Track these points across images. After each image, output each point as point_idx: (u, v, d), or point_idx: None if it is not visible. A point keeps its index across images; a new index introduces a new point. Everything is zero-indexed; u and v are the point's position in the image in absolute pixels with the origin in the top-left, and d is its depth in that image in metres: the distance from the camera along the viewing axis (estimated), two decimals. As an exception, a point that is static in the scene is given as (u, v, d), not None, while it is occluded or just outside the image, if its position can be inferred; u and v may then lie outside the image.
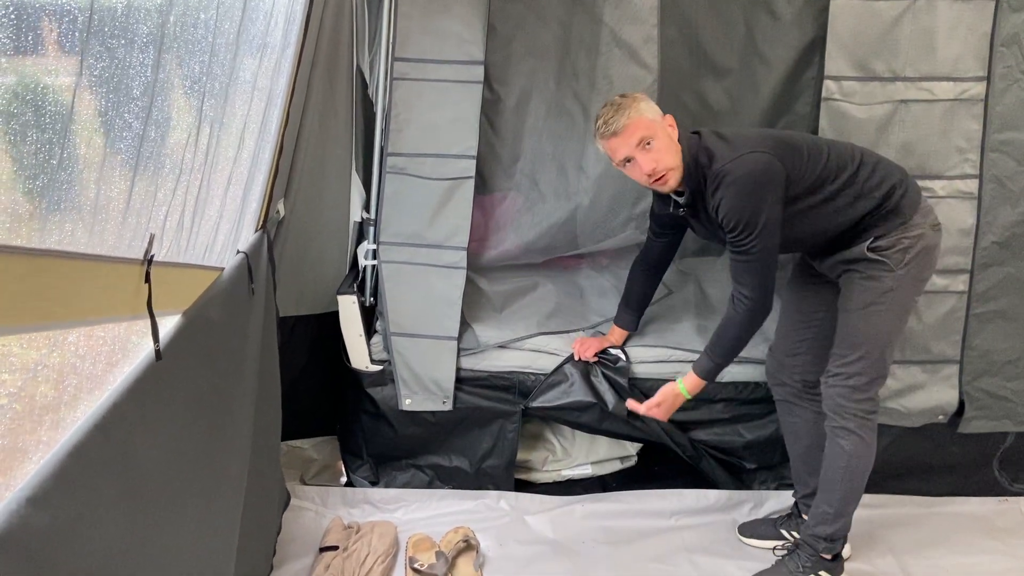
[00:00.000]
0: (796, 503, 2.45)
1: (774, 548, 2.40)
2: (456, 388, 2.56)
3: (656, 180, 2.03)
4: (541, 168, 2.80)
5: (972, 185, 2.44)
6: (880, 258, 2.08)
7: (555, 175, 2.78)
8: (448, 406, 2.56)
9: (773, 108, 2.82)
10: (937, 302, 2.47)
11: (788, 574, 2.25)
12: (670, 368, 2.61)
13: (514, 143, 2.79)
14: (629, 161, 2.04)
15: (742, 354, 2.38)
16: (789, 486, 2.59)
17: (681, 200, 2.12)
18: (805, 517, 2.35)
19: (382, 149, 2.54)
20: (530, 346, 2.63)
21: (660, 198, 2.27)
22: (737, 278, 2.09)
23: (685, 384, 2.23)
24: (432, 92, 2.48)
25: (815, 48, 2.68)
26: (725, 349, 2.16)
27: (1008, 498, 2.66)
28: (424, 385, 2.56)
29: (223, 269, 1.80)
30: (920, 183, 2.38)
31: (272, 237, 2.37)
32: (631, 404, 2.31)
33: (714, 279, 3.05)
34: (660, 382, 2.56)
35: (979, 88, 2.38)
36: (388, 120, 2.50)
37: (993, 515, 2.60)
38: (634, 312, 2.57)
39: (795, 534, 2.39)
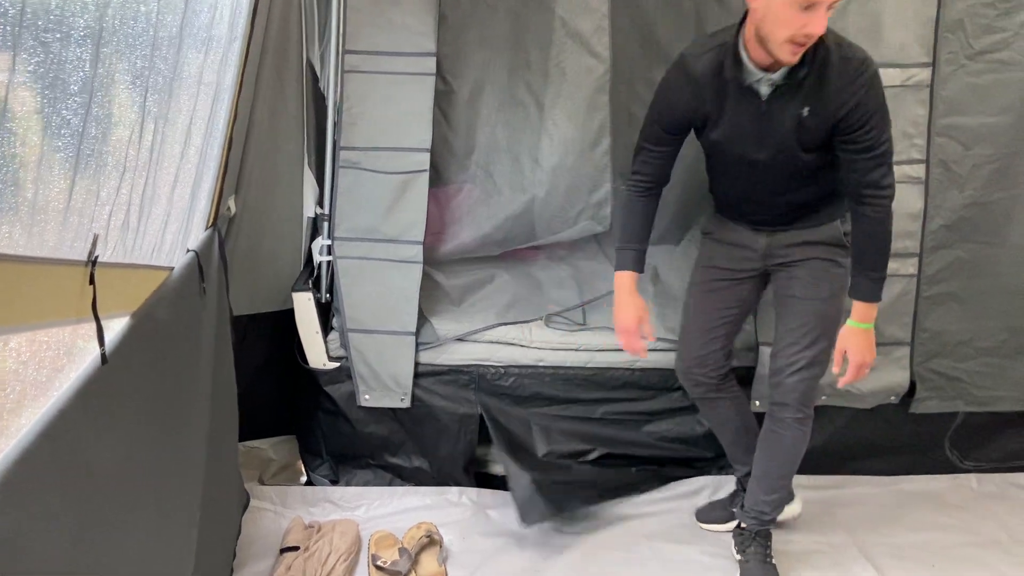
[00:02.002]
0: (738, 480, 2.46)
1: (732, 533, 2.40)
2: (415, 384, 2.55)
3: (804, 46, 1.75)
4: (496, 160, 2.79)
5: (919, 170, 2.49)
6: (846, 243, 2.10)
7: (510, 167, 2.77)
8: (406, 403, 2.54)
9: (724, 97, 2.83)
10: (888, 285, 2.50)
11: (760, 567, 2.24)
12: (629, 357, 2.58)
13: (468, 135, 2.77)
14: (810, 8, 1.70)
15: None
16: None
17: (775, 78, 1.85)
18: None
19: (335, 143, 2.51)
20: (489, 337, 2.62)
21: (685, 92, 1.95)
22: (868, 179, 1.92)
23: (860, 320, 2.02)
24: (384, 85, 2.45)
25: (765, 36, 2.70)
26: (885, 256, 2.00)
27: (959, 475, 2.73)
28: (382, 381, 2.54)
29: (172, 269, 1.75)
30: None
31: (223, 235, 2.32)
32: (841, 383, 2.09)
33: (672, 267, 3.05)
34: (621, 371, 2.62)
35: (925, 74, 2.42)
36: (340, 114, 2.47)
37: (945, 492, 2.67)
38: (642, 247, 2.21)
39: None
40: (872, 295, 2.01)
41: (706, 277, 2.28)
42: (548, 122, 2.67)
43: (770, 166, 1.99)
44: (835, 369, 2.10)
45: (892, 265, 2.46)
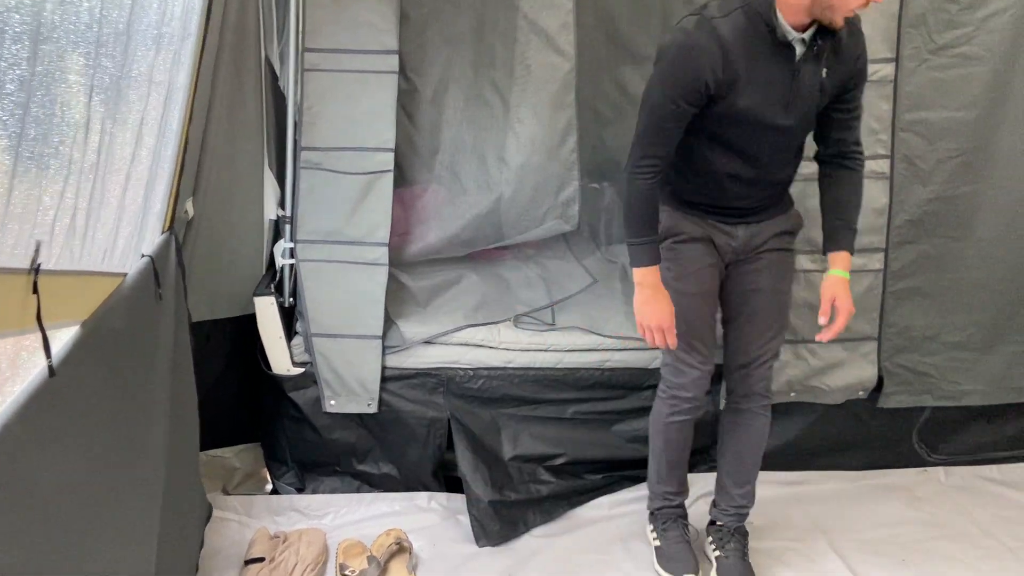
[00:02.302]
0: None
1: (707, 530, 2.37)
2: (382, 389, 2.50)
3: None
4: (461, 159, 2.75)
5: (884, 165, 2.49)
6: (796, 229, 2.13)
7: (476, 166, 2.73)
8: (373, 408, 2.50)
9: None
10: (854, 281, 2.48)
11: (739, 563, 2.23)
12: (599, 356, 2.61)
13: (432, 134, 2.73)
14: None
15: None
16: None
17: (806, 37, 1.84)
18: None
19: (295, 143, 2.45)
20: (457, 340, 2.58)
21: (715, 56, 1.83)
22: (848, 137, 2.02)
23: (842, 268, 2.05)
24: (346, 83, 2.41)
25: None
26: (860, 208, 2.09)
27: (927, 468, 2.74)
28: (348, 387, 2.49)
29: (126, 275, 1.69)
30: None
31: (181, 239, 2.26)
32: (822, 337, 2.03)
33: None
34: (591, 371, 2.60)
35: (888, 69, 2.43)
36: (301, 113, 2.42)
37: (914, 485, 2.68)
38: (657, 237, 2.07)
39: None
40: (853, 245, 2.07)
41: (698, 282, 2.11)
42: (514, 120, 2.64)
43: (792, 133, 1.97)
44: (823, 319, 2.05)
45: (858, 261, 2.49)
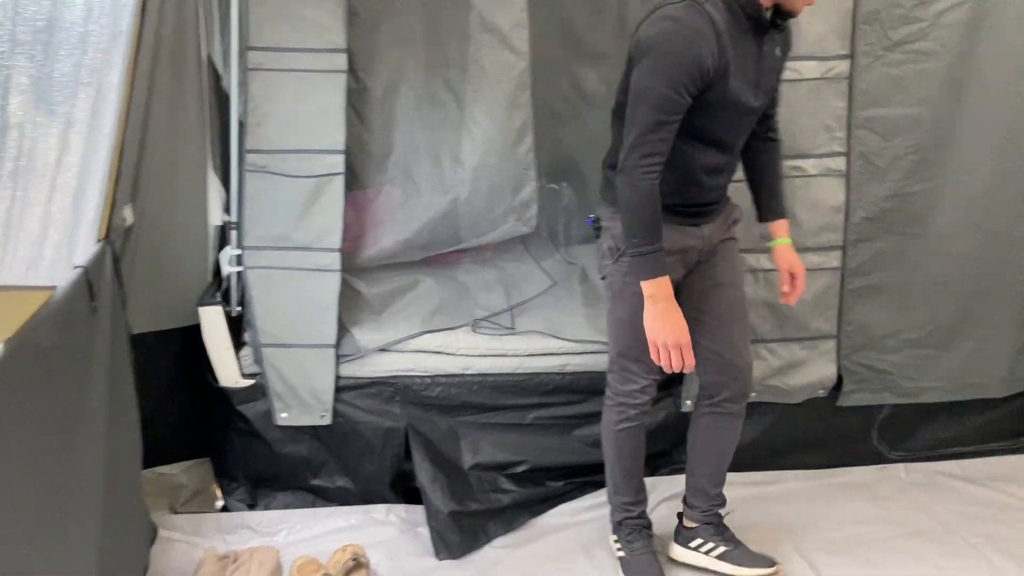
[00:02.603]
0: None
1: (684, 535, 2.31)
2: (336, 399, 2.43)
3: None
4: (415, 161, 2.69)
5: (840, 163, 2.48)
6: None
7: (430, 167, 2.68)
8: (327, 420, 2.43)
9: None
10: (812, 279, 2.50)
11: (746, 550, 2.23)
12: (559, 360, 2.57)
13: (385, 135, 2.67)
14: None
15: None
16: (679, 470, 2.58)
17: (780, 24, 1.90)
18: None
19: (240, 146, 2.37)
20: (414, 347, 2.52)
21: (711, 41, 1.79)
22: (775, 113, 2.12)
23: (785, 235, 2.17)
24: (292, 83, 2.33)
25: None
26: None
27: (887, 465, 2.74)
28: (300, 398, 2.41)
29: (55, 288, 1.59)
30: (791, 162, 2.42)
31: (119, 248, 2.15)
32: (789, 300, 2.17)
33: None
34: (551, 376, 2.55)
35: (843, 66, 2.41)
36: (245, 115, 2.34)
37: (875, 482, 2.68)
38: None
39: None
40: (786, 211, 2.21)
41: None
42: (468, 120, 2.59)
43: (757, 114, 1.99)
44: (786, 288, 2.15)
45: (816, 259, 2.50)
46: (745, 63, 1.86)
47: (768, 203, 2.17)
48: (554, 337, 2.57)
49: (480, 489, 2.48)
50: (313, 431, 2.46)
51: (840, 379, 2.63)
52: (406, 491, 2.55)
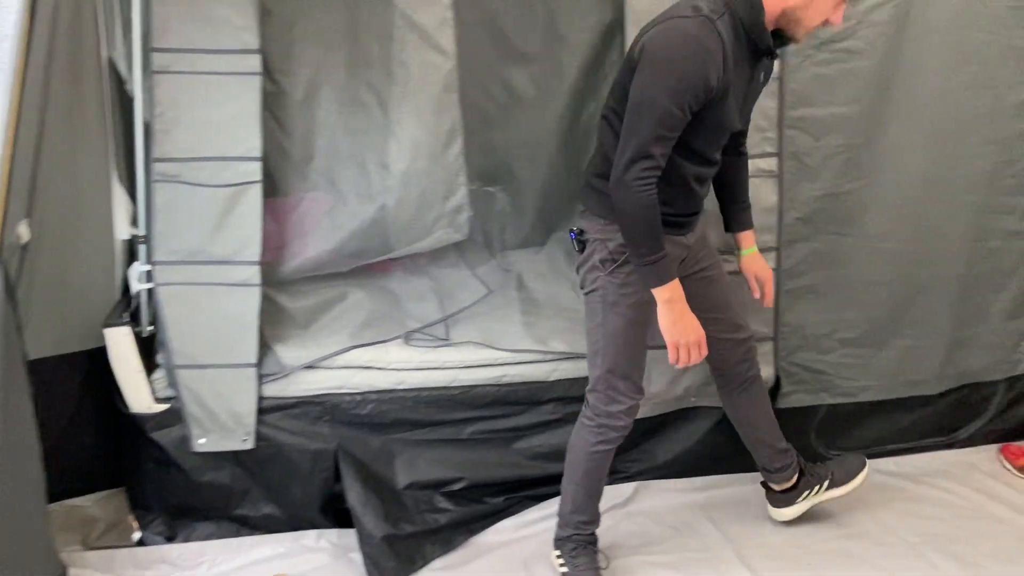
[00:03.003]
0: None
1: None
2: (259, 421, 2.32)
3: None
4: (339, 167, 2.58)
5: (773, 163, 2.47)
6: None
7: (355, 174, 2.57)
8: (250, 444, 2.31)
9: (579, 94, 2.76)
10: (742, 281, 2.48)
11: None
12: (496, 372, 2.49)
13: (306, 140, 2.55)
14: (842, 4, 1.89)
15: (577, 349, 2.41)
16: (622, 479, 2.55)
17: (775, 52, 1.96)
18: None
19: (147, 154, 2.23)
20: (343, 362, 2.42)
21: (719, 57, 1.83)
22: (747, 128, 2.17)
23: (753, 245, 2.27)
24: (203, 86, 2.20)
25: (615, 30, 2.63)
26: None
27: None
28: (220, 422, 2.29)
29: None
30: None
31: (14, 267, 1.99)
32: (768, 303, 2.31)
33: (536, 272, 2.96)
34: (488, 388, 2.47)
35: (773, 66, 2.39)
36: (152, 121, 2.20)
37: (814, 483, 2.67)
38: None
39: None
40: (752, 222, 2.29)
41: (648, 312, 2.01)
42: (394, 124, 2.49)
43: (734, 134, 2.10)
44: (756, 294, 2.29)
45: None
46: (739, 85, 1.90)
47: (736, 215, 2.24)
48: (490, 348, 2.50)
49: (415, 510, 2.39)
50: (235, 456, 2.34)
51: (778, 380, 2.61)
52: (338, 514, 2.43)
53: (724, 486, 2.64)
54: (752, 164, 2.44)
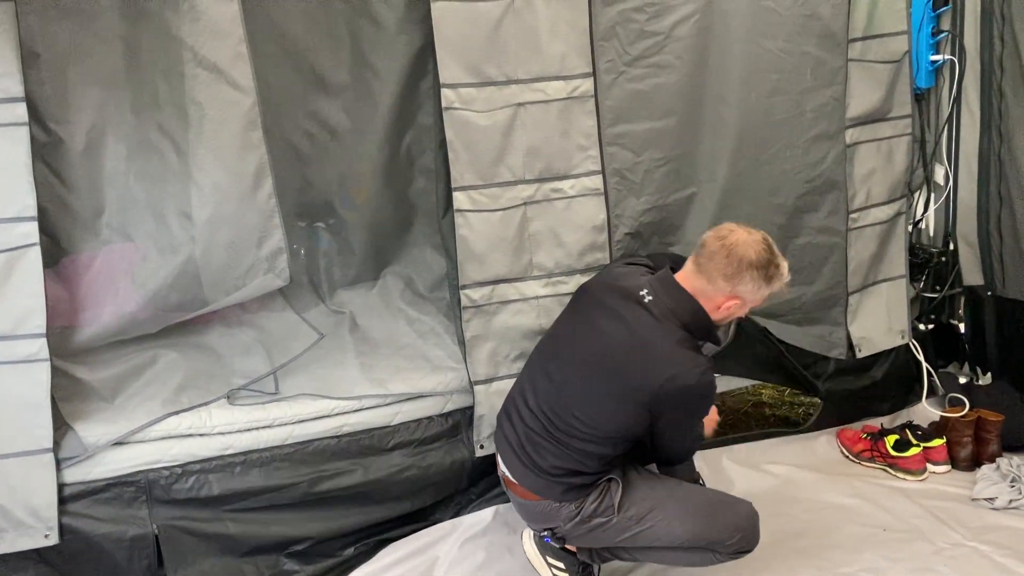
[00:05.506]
0: None
1: None
2: (62, 512, 2.07)
3: None
4: (135, 218, 2.36)
5: (597, 181, 2.48)
6: None
7: (154, 225, 2.35)
8: (53, 539, 2.06)
9: (396, 123, 2.64)
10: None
11: None
12: (335, 422, 2.35)
13: (92, 193, 2.32)
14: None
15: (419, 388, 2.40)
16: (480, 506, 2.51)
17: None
18: None
19: None
20: (157, 433, 2.20)
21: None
22: None
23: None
24: (-42, 143, 1.94)
25: (427, 55, 2.54)
26: None
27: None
28: (15, 518, 2.03)
29: None
30: (550, 185, 2.42)
31: None
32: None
33: (370, 310, 2.80)
34: (327, 441, 2.33)
35: (588, 84, 2.40)
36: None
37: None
38: None
39: None
40: None
41: None
42: (193, 168, 2.28)
43: None
44: None
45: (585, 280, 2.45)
46: None
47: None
48: (326, 397, 2.36)
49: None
50: (38, 555, 2.09)
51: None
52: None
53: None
54: (578, 183, 2.46)
